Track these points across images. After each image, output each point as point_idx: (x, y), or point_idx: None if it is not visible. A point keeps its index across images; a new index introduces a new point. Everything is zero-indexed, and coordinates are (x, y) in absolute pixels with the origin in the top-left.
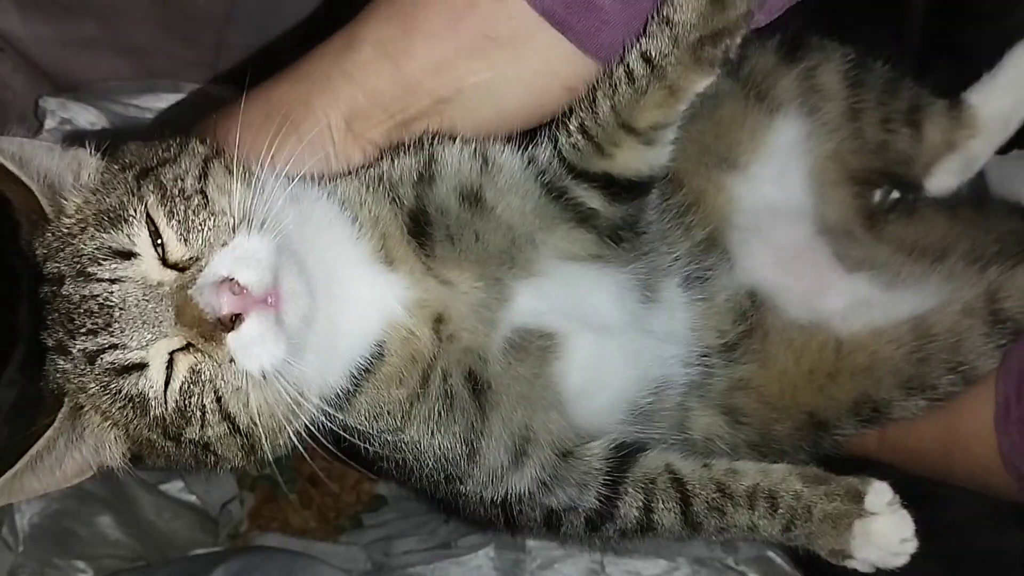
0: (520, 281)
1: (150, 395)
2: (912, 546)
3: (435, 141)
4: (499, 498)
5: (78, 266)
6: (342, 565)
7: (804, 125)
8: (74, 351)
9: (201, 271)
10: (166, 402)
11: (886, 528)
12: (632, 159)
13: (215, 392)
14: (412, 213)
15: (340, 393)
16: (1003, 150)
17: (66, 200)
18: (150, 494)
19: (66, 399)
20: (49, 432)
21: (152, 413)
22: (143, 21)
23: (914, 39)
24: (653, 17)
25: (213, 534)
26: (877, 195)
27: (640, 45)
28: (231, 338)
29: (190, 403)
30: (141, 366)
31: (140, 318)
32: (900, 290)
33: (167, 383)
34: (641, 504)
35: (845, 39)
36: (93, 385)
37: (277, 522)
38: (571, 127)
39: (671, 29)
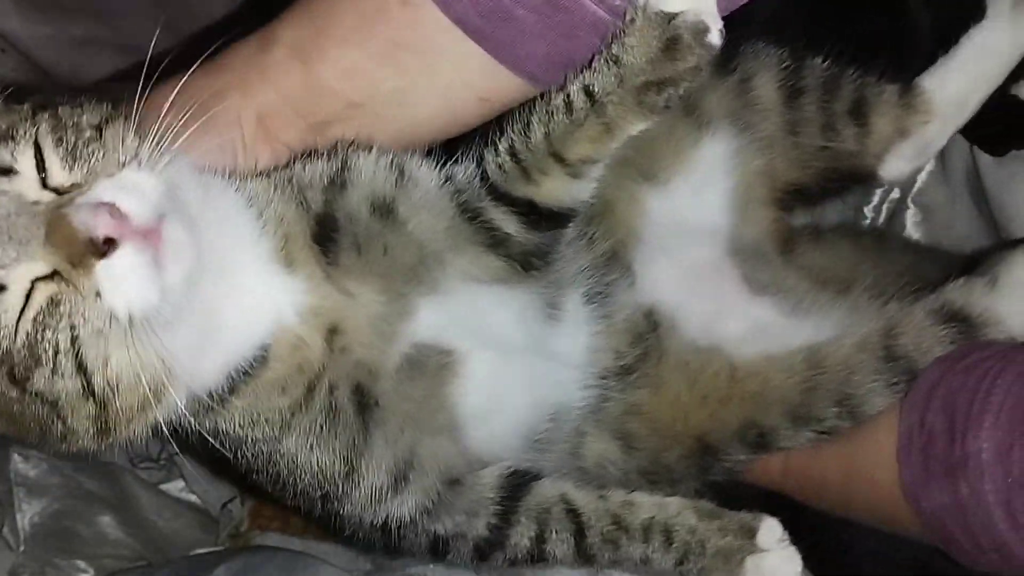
0: (424, 298)
1: (2, 320)
2: None
3: (350, 148)
4: (379, 521)
5: None
6: (342, 565)
7: (735, 142)
8: None
9: (81, 196)
10: (16, 333)
11: (776, 564)
12: (557, 189)
13: (71, 330)
14: (319, 217)
15: (213, 394)
16: (1000, 152)
17: None
18: (151, 494)
19: None
20: None
21: (1, 345)
22: (143, 21)
23: (918, 31)
24: (600, 52)
25: (214, 534)
26: (797, 216)
27: (584, 78)
28: (101, 265)
29: (42, 338)
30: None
31: (7, 232)
32: (800, 318)
33: (22, 311)
34: (534, 534)
35: (843, 32)
36: None
37: (278, 522)
38: (500, 148)
39: (618, 68)
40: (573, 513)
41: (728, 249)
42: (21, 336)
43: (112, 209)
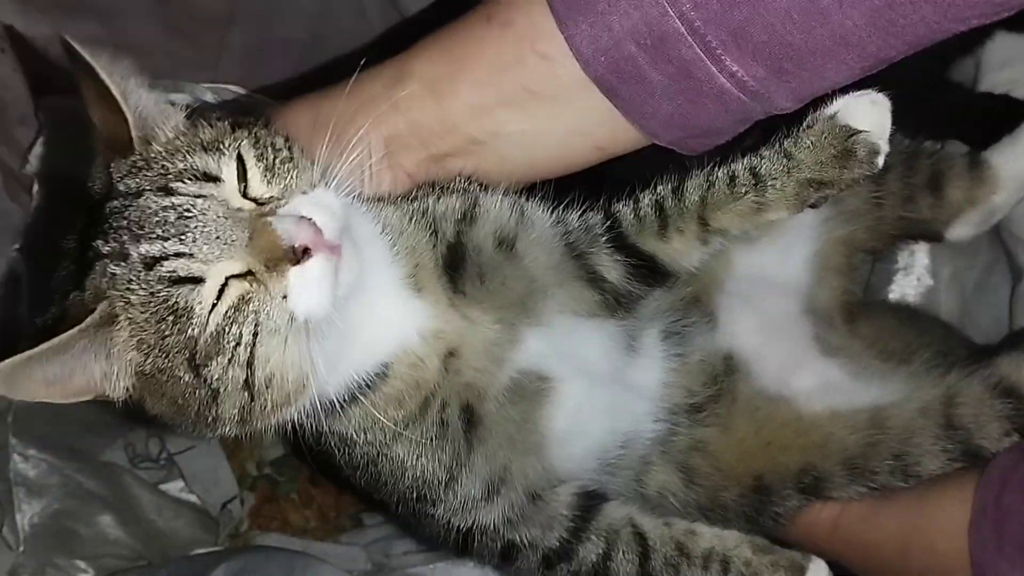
0: (530, 328)
1: (196, 309)
2: None
3: (479, 186)
4: (465, 526)
5: (162, 182)
6: (342, 565)
7: (823, 212)
8: (134, 255)
9: (281, 207)
10: (207, 323)
11: None
12: (682, 249)
13: (256, 325)
14: (451, 247)
15: (336, 400)
16: (981, 147)
17: (156, 133)
18: (151, 494)
19: (101, 305)
20: (76, 329)
21: (188, 332)
22: (144, 21)
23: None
24: (775, 143)
25: (214, 533)
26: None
27: (751, 160)
28: (294, 271)
29: (228, 331)
30: (198, 280)
31: (215, 233)
32: (866, 381)
33: (215, 304)
34: (602, 552)
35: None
36: (141, 290)
37: (277, 521)
38: (643, 201)
39: (788, 161)
40: (640, 536)
41: (804, 309)
42: (211, 327)
43: (310, 223)
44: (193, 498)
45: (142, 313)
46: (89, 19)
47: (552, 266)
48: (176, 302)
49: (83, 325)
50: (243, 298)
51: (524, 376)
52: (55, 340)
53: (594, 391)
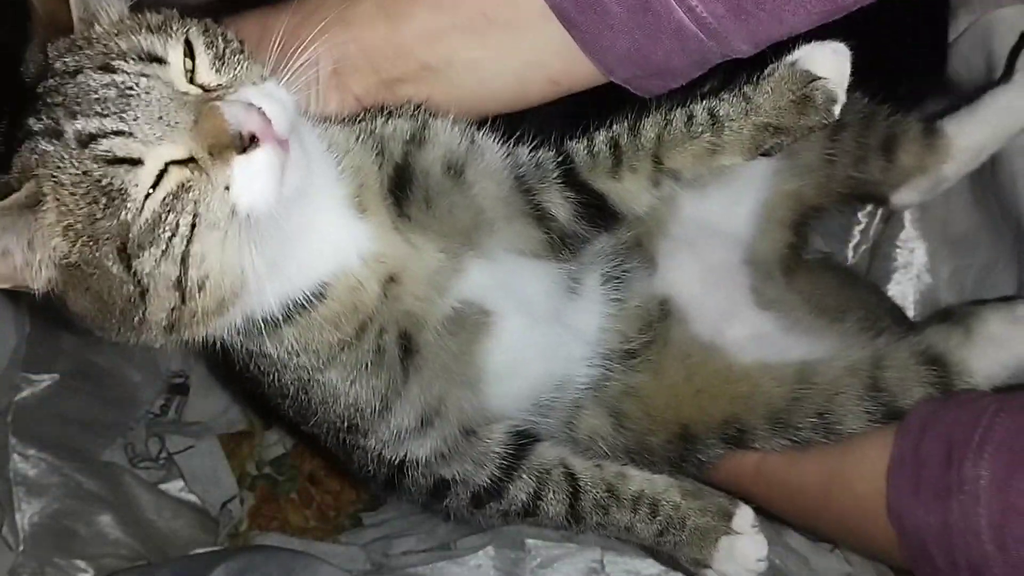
0: (474, 259)
1: (131, 193)
2: (764, 566)
3: (429, 113)
4: (396, 459)
5: (103, 60)
6: (342, 565)
7: (775, 163)
8: (69, 131)
9: (230, 95)
10: (143, 209)
11: (747, 547)
12: (632, 190)
13: (194, 216)
14: (398, 168)
15: (268, 318)
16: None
17: (99, 15)
18: (150, 493)
19: (28, 184)
20: (20, 196)
21: (121, 217)
22: None
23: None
24: (735, 87)
25: (213, 533)
26: (809, 250)
27: (710, 101)
28: (239, 160)
29: (164, 219)
30: (136, 161)
31: (157, 113)
32: (797, 336)
33: (152, 190)
34: (532, 491)
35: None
36: (73, 169)
37: (277, 521)
38: (598, 139)
39: (747, 104)
40: (571, 477)
41: (744, 259)
42: (147, 213)
43: (260, 112)
44: (193, 498)
45: (72, 195)
46: None
47: (500, 198)
48: (111, 183)
49: (7, 201)
50: (183, 186)
51: (465, 307)
52: (10, 199)
53: (533, 330)
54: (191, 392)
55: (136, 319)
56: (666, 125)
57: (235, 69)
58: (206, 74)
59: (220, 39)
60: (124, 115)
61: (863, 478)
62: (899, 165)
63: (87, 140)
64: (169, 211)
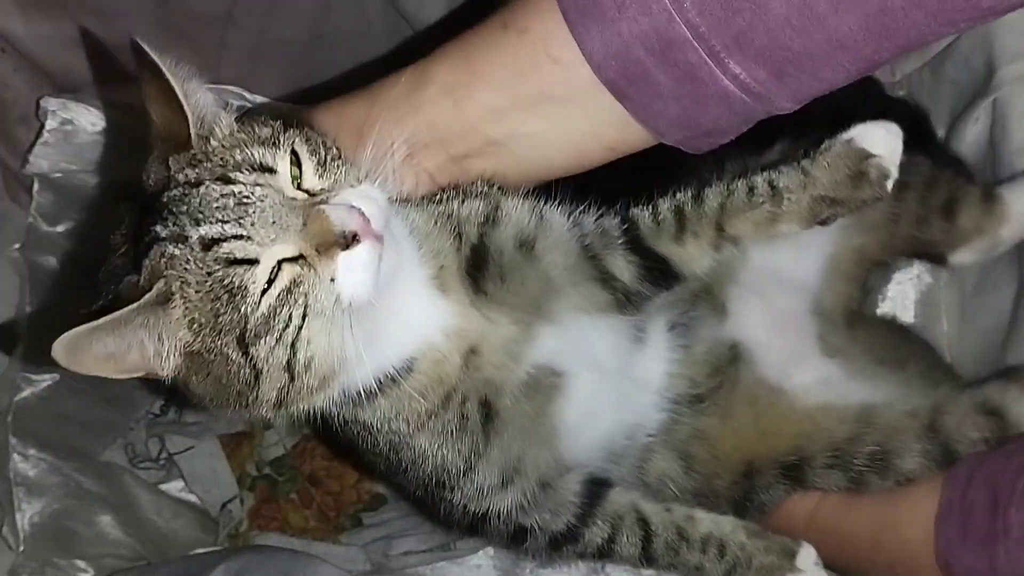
0: (545, 325)
1: (250, 288)
2: None
3: (499, 190)
4: (480, 511)
5: (221, 172)
6: (342, 565)
7: (844, 220)
8: (193, 236)
9: (333, 198)
10: (259, 304)
11: None
12: (695, 254)
13: (304, 307)
14: (474, 248)
15: (363, 391)
16: None
17: (213, 130)
18: (150, 493)
19: (158, 283)
20: (136, 304)
21: (241, 311)
22: (143, 21)
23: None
24: (794, 161)
25: (213, 533)
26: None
27: (770, 174)
28: (343, 256)
29: (279, 311)
30: (253, 261)
31: (271, 218)
32: (860, 382)
33: (268, 285)
34: (607, 535)
35: None
36: (197, 270)
37: (277, 521)
38: (662, 207)
39: (805, 178)
40: (643, 521)
41: (811, 308)
42: (263, 307)
43: (359, 212)
44: (193, 498)
45: (197, 292)
46: (89, 19)
47: (568, 266)
48: (231, 281)
49: (143, 300)
50: (295, 281)
51: (538, 371)
52: (116, 314)
53: (603, 384)
54: None
55: (251, 398)
56: (728, 195)
57: (335, 173)
58: (311, 180)
59: (321, 147)
60: (242, 221)
61: (913, 525)
62: (959, 227)
63: (210, 244)
64: (283, 304)
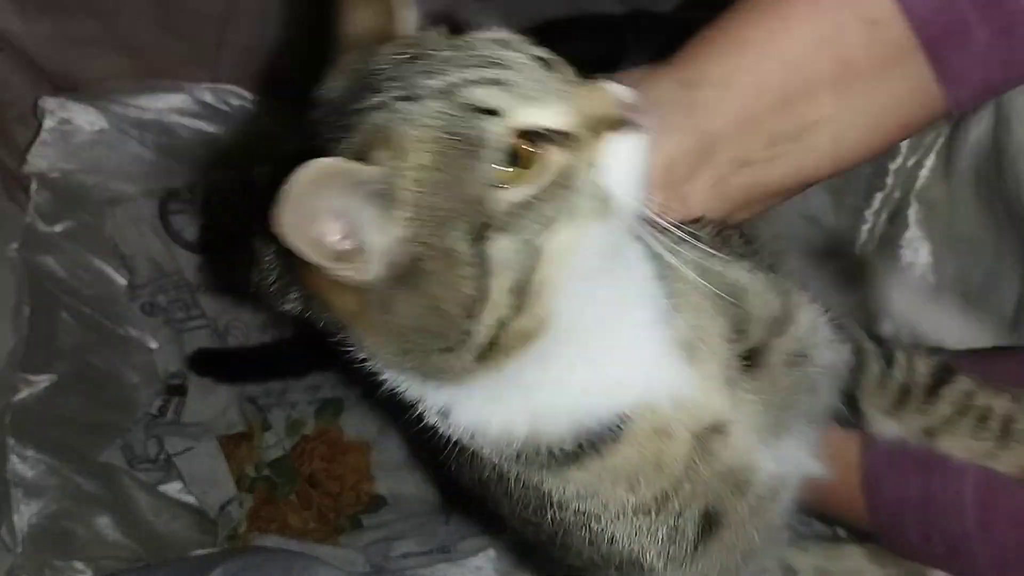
0: (787, 432)
1: (494, 139)
2: None
3: (802, 299)
4: None
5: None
6: (341, 567)
7: None
8: (433, 85)
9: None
10: (522, 191)
11: None
12: (888, 430)
13: (565, 200)
14: (753, 350)
15: (555, 451)
16: None
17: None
18: (149, 495)
19: (377, 151)
20: (370, 167)
21: (479, 168)
22: (143, 20)
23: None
24: None
25: (212, 535)
26: None
27: (1010, 407)
28: (613, 136)
29: (536, 202)
30: (496, 113)
31: (535, 77)
32: None
33: (529, 165)
34: None
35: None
36: (434, 124)
37: (276, 523)
38: (895, 373)
39: None
40: (790, 568)
41: None
42: (522, 195)
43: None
44: (191, 499)
45: (428, 153)
46: (89, 19)
47: (827, 380)
48: (475, 135)
49: (373, 167)
50: (562, 168)
51: (774, 481)
52: (368, 168)
53: (800, 482)
54: (189, 393)
55: (459, 334)
56: (960, 412)
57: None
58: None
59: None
60: (499, 69)
61: (839, 444)
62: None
63: (450, 90)
64: (543, 193)
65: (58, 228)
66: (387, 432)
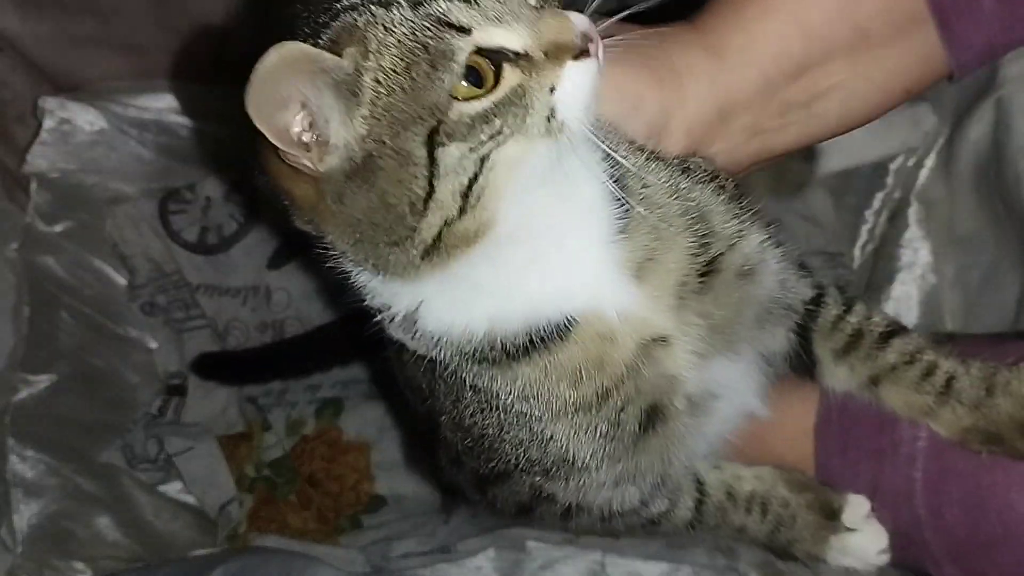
0: (726, 349)
1: (457, 53)
2: (887, 557)
3: (753, 216)
4: (567, 503)
5: None
6: (341, 567)
7: None
8: None
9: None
10: (481, 102)
11: (863, 542)
12: (842, 378)
13: (516, 118)
14: (708, 263)
15: (507, 345)
16: None
17: None
18: (149, 495)
19: (348, 49)
20: (347, 56)
21: (440, 78)
22: (142, 21)
23: None
24: (993, 368)
25: (212, 535)
26: None
27: (957, 365)
28: (572, 65)
29: (490, 116)
30: (462, 29)
31: (506, 2)
32: None
33: (486, 82)
34: (666, 507)
35: None
36: (401, 33)
37: (276, 523)
38: (850, 319)
39: (987, 397)
40: (699, 483)
41: None
42: (478, 107)
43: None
44: (191, 500)
45: (394, 57)
46: (89, 19)
47: (770, 305)
48: (438, 48)
49: (337, 60)
50: (519, 87)
51: (703, 391)
52: (334, 57)
53: (733, 408)
54: (189, 393)
55: (405, 229)
56: (907, 362)
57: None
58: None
59: None
60: None
61: (797, 422)
62: None
63: (422, 1)
64: (497, 108)
65: (58, 228)
66: (387, 432)
